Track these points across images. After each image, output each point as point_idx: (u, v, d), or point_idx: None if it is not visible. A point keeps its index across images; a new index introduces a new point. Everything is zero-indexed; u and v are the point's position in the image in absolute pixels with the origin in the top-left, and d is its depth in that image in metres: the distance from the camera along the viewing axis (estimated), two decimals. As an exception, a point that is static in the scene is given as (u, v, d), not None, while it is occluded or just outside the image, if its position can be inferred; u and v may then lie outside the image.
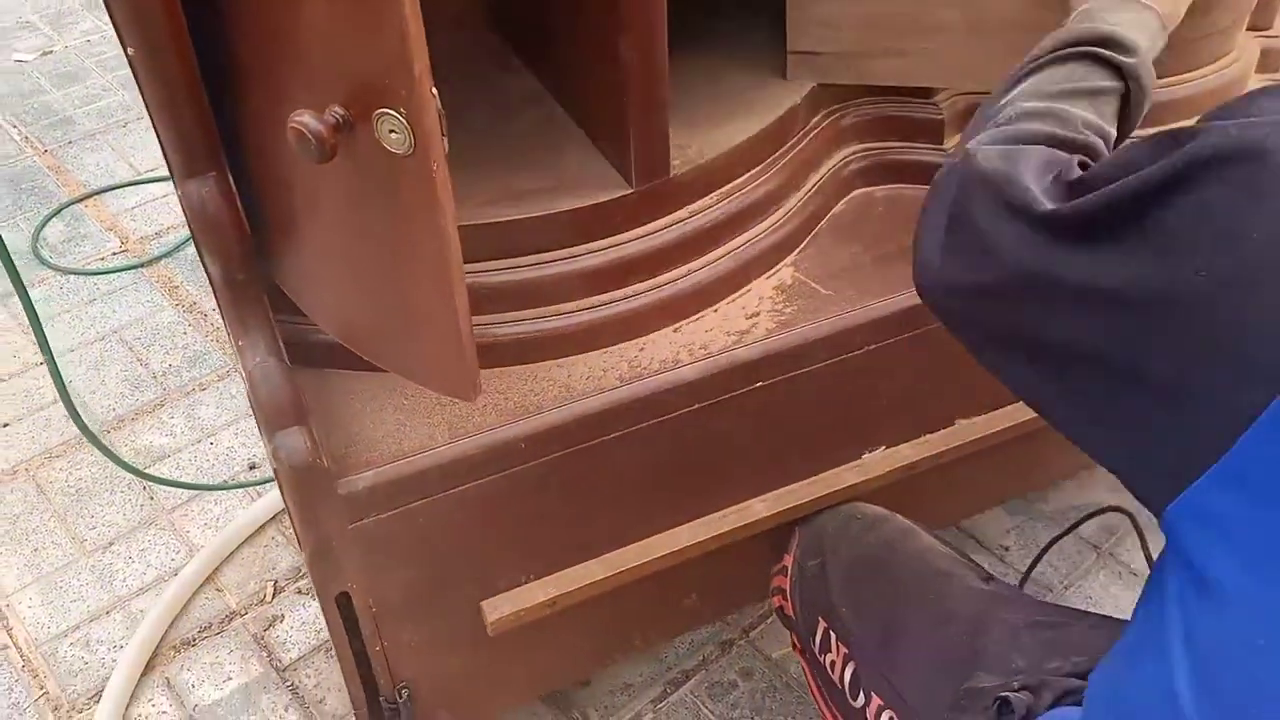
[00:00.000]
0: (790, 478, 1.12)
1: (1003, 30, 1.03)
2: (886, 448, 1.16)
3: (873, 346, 1.07)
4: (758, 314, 1.06)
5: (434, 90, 0.68)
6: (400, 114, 0.68)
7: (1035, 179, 0.66)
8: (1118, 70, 0.78)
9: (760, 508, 1.11)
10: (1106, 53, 0.78)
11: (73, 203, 2.30)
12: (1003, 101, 0.78)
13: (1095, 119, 0.76)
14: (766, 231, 1.10)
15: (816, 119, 1.16)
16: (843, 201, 1.19)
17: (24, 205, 2.30)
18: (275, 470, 0.94)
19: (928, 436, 1.17)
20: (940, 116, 1.17)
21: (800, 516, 1.12)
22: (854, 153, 1.19)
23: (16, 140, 2.52)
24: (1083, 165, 0.68)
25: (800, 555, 1.07)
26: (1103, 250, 0.59)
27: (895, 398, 1.13)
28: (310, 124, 0.70)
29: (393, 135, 0.70)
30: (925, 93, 1.16)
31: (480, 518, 1.00)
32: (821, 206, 1.16)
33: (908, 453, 1.16)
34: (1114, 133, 0.78)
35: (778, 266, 1.11)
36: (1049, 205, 0.63)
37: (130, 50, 0.76)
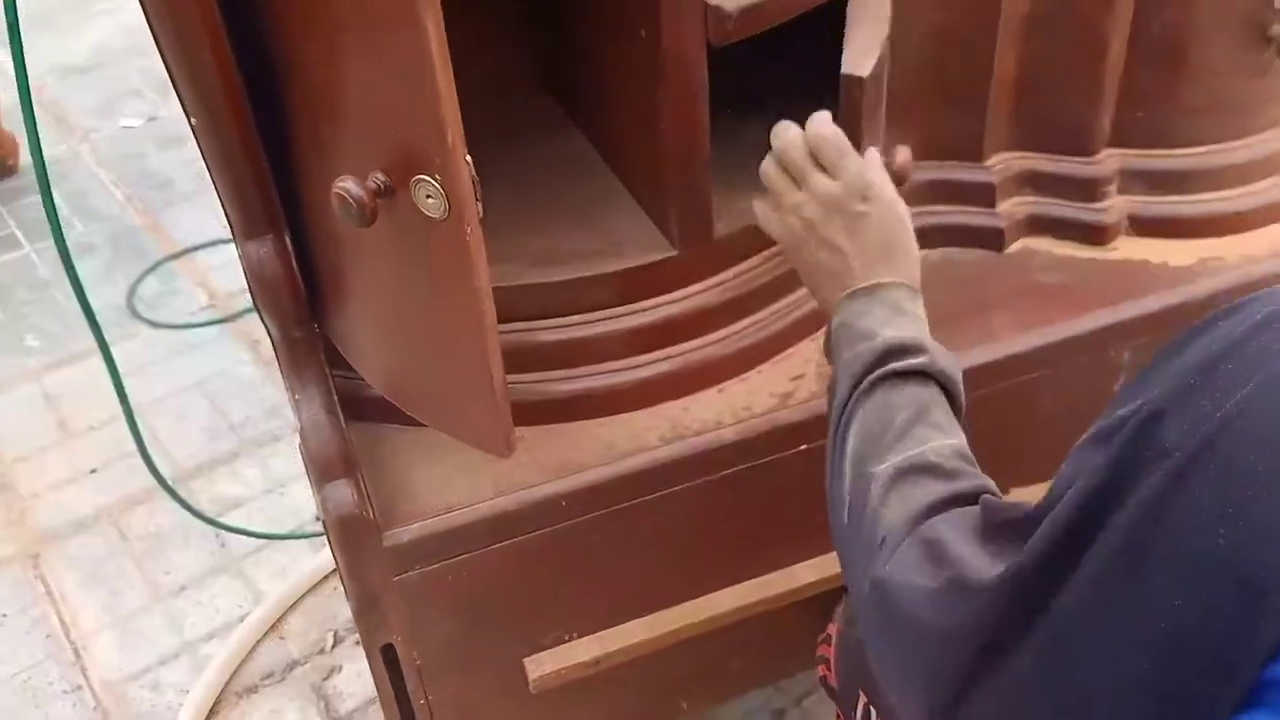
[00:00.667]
0: (835, 541, 1.11)
1: None
2: (937, 513, 1.14)
3: (920, 410, 1.06)
4: (802, 376, 1.06)
5: (468, 158, 0.71)
6: (436, 180, 0.71)
7: (966, 547, 0.61)
8: (921, 373, 0.75)
9: (805, 573, 1.10)
10: (900, 365, 0.74)
11: (167, 260, 2.43)
12: (847, 482, 0.73)
13: (947, 440, 0.71)
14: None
15: (866, 182, 1.17)
16: (893, 263, 1.19)
17: (123, 262, 2.43)
18: (323, 521, 0.97)
19: (980, 502, 1.15)
20: (992, 180, 1.16)
21: (846, 584, 1.11)
22: (905, 215, 1.19)
23: (120, 201, 2.67)
24: (978, 495, 0.65)
25: (845, 624, 1.05)
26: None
27: (945, 462, 1.11)
28: (352, 189, 0.73)
29: (429, 200, 0.73)
30: (976, 155, 1.16)
31: (523, 574, 1.01)
32: (869, 268, 1.15)
33: (959, 518, 1.14)
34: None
35: (823, 328, 1.11)
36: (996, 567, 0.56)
37: (193, 120, 0.81)
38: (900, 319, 0.78)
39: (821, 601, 1.12)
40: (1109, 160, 1.15)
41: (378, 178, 0.74)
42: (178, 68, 0.77)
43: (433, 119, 0.68)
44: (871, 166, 0.85)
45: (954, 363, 0.78)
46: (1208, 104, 1.11)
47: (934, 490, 0.68)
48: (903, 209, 0.84)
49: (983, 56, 1.09)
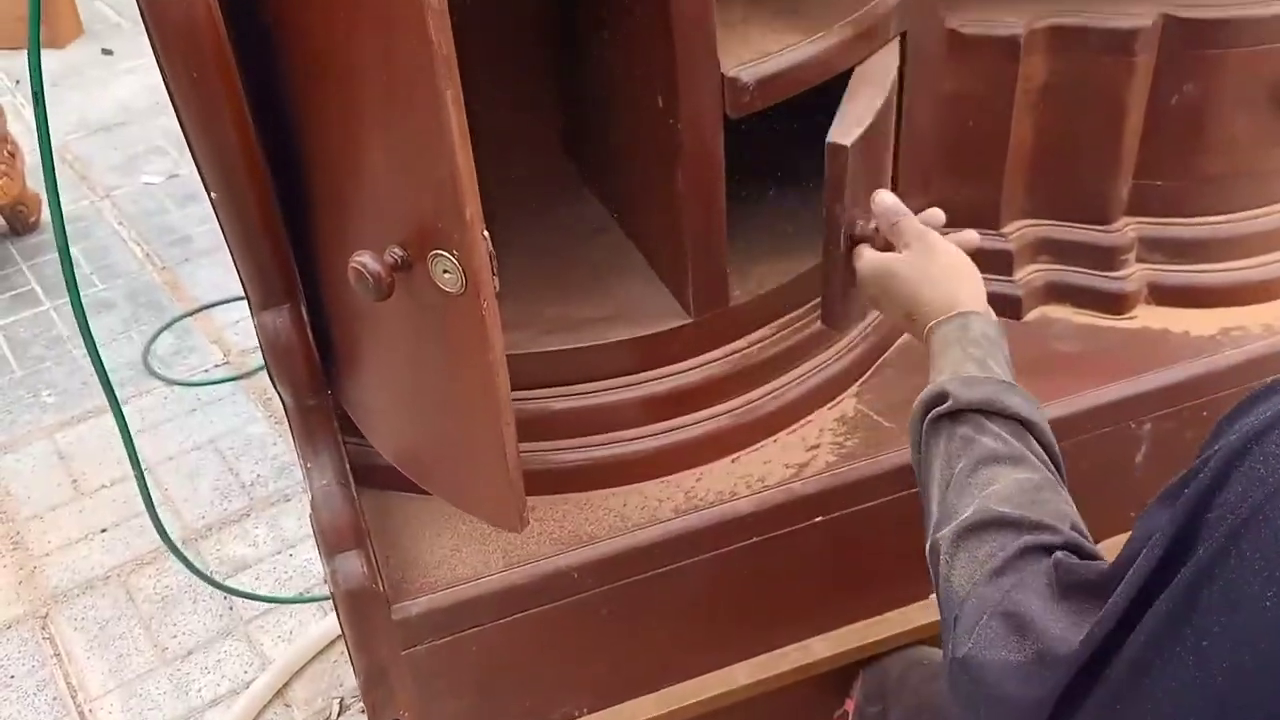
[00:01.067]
0: (853, 616, 1.09)
1: None
2: (957, 586, 1.12)
3: (938, 481, 1.04)
4: (818, 446, 1.05)
5: (485, 233, 0.71)
6: (453, 255, 0.71)
7: (1046, 615, 0.61)
8: (959, 413, 0.75)
9: (821, 647, 1.07)
10: (943, 409, 0.75)
11: (183, 317, 2.44)
12: (927, 548, 0.73)
13: (1014, 475, 0.71)
14: (828, 361, 1.09)
15: (883, 249, 1.16)
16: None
17: (140, 318, 2.44)
18: (332, 593, 0.96)
19: (1001, 575, 1.13)
20: (1009, 247, 1.15)
21: (864, 658, 1.08)
22: (921, 283, 1.18)
23: (139, 257, 2.69)
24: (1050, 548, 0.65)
25: (862, 701, 1.03)
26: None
27: (965, 534, 1.09)
28: (369, 264, 0.73)
29: (446, 275, 0.72)
30: (993, 222, 1.15)
31: (532, 648, 0.99)
32: (886, 337, 1.14)
33: (980, 592, 1.12)
34: (1037, 424, 0.75)
35: (840, 398, 1.10)
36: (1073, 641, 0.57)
37: (213, 194, 0.81)
38: (970, 353, 0.79)
39: (837, 677, 1.10)
40: (1128, 229, 1.15)
41: (395, 252, 0.74)
42: (200, 145, 0.77)
43: (451, 195, 0.67)
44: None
45: (990, 385, 0.76)
46: (1227, 173, 1.11)
47: (1001, 546, 0.67)
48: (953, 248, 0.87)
49: (999, 125, 1.09)
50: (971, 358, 0.78)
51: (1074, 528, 0.68)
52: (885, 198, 0.90)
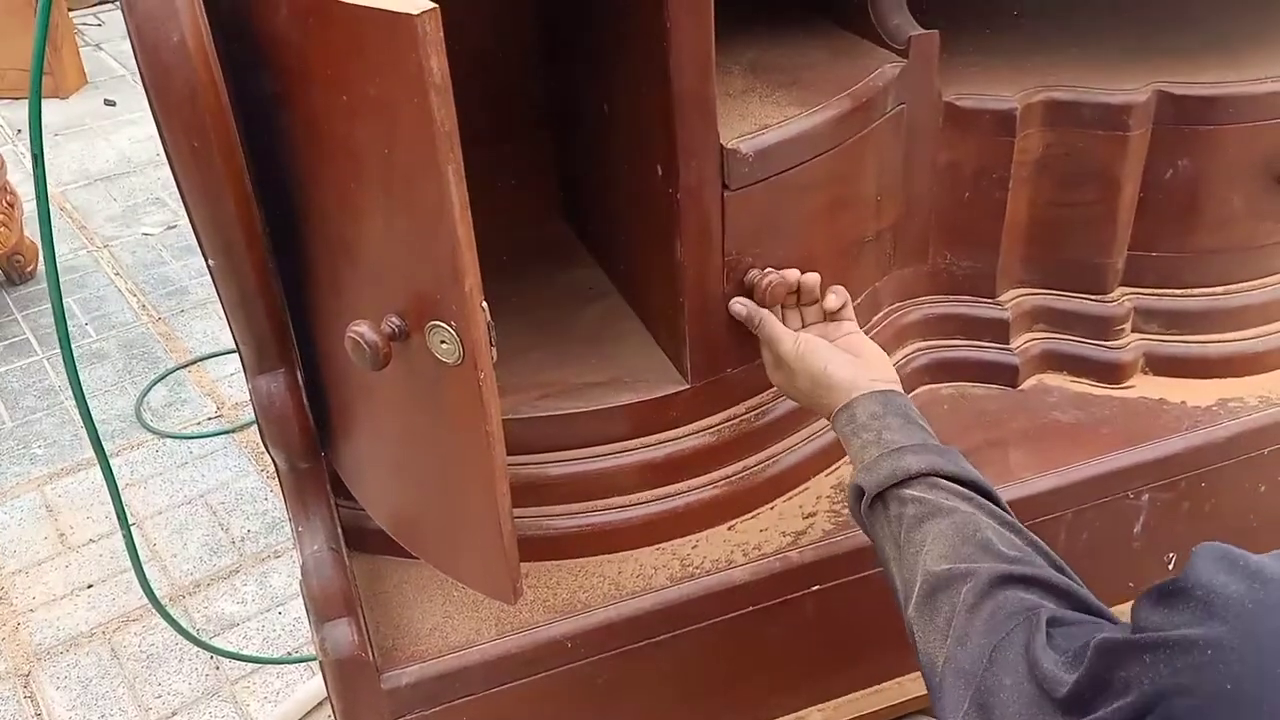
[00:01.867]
0: (849, 686, 1.07)
1: None
2: (955, 657, 1.10)
3: (936, 551, 1.03)
4: (815, 513, 1.04)
5: (484, 304, 0.71)
6: (451, 326, 0.71)
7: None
8: (878, 497, 0.80)
9: (816, 718, 1.06)
10: (866, 500, 0.81)
11: (176, 369, 2.43)
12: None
13: (938, 530, 0.75)
14: (826, 428, 1.08)
15: (879, 315, 1.17)
16: (907, 398, 1.18)
17: (133, 370, 2.43)
18: (320, 662, 0.94)
19: (999, 646, 1.11)
20: (1005, 315, 1.16)
21: (861, 729, 1.07)
22: (918, 349, 1.19)
23: (134, 308, 2.69)
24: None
25: (860, 773, 1.01)
26: None
27: (962, 604, 1.08)
28: (366, 334, 0.73)
29: (443, 345, 0.72)
30: (989, 291, 1.16)
31: (524, 718, 0.98)
32: (883, 404, 1.14)
33: (978, 663, 1.10)
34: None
35: (837, 464, 1.09)
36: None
37: (211, 262, 0.81)
38: (851, 444, 0.86)
39: (835, 749, 1.08)
40: (1124, 299, 1.15)
41: (392, 321, 0.74)
42: (199, 214, 0.77)
43: (450, 267, 0.67)
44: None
45: (893, 462, 0.80)
46: (1223, 246, 1.12)
47: (952, 608, 0.70)
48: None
49: (995, 196, 1.10)
50: (866, 442, 0.84)
51: (1008, 540, 0.73)
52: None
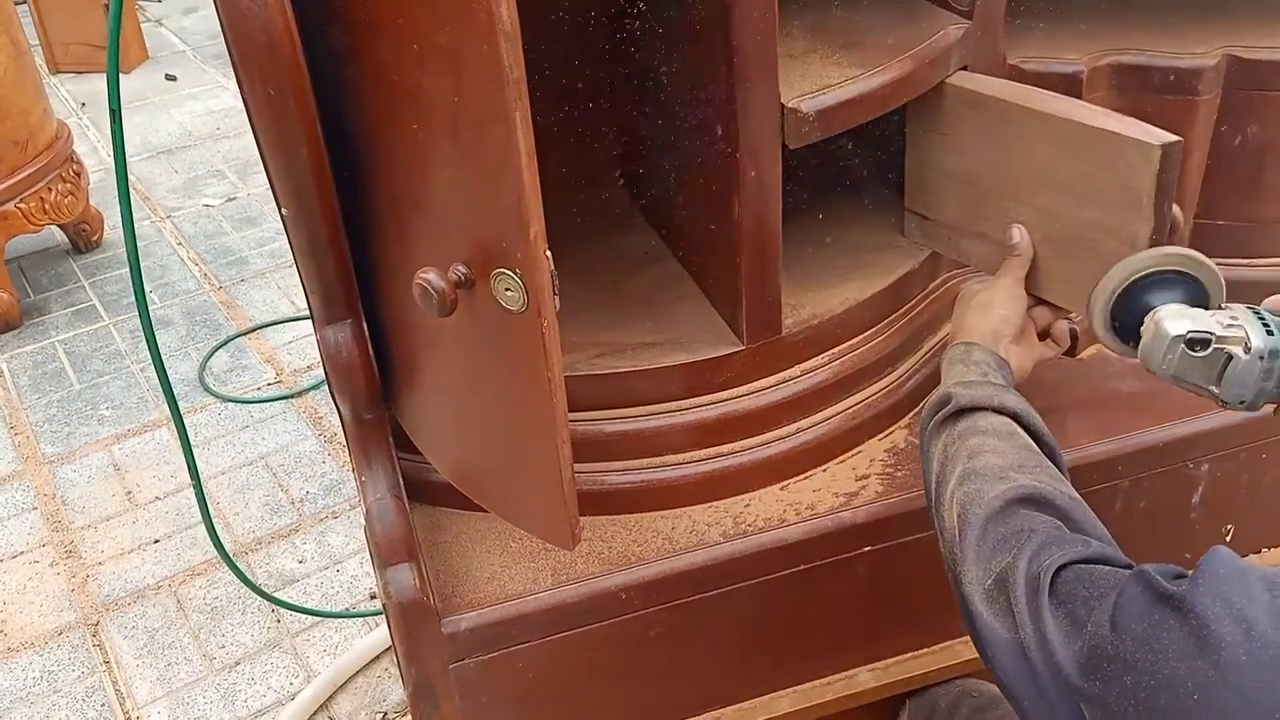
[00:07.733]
0: (900, 648, 1.08)
1: (1074, 244, 0.96)
2: (1006, 622, 1.10)
3: (989, 515, 1.03)
4: (868, 476, 1.05)
5: (548, 252, 0.72)
6: (516, 274, 0.72)
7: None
8: (999, 409, 0.86)
9: (867, 677, 1.07)
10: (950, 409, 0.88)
11: (238, 336, 2.49)
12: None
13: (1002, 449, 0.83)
14: (881, 393, 1.09)
15: (936, 283, 1.17)
16: (962, 364, 1.18)
17: (196, 336, 2.50)
18: (384, 605, 0.97)
19: (1051, 613, 1.11)
20: (1065, 283, 1.15)
21: (911, 689, 1.07)
22: (975, 316, 1.18)
23: (196, 277, 2.75)
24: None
25: (908, 732, 1.02)
26: None
27: (1015, 570, 1.08)
28: (434, 281, 0.75)
29: (508, 293, 0.74)
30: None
31: (578, 666, 1.00)
32: (937, 370, 1.14)
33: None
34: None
35: (891, 429, 1.10)
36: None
37: (284, 210, 0.84)
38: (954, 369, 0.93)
39: (881, 708, 1.09)
40: (1186, 268, 1.14)
41: (459, 269, 0.75)
42: (274, 160, 0.80)
43: (516, 214, 0.69)
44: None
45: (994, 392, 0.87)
46: (1290, 215, 1.10)
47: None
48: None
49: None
50: (972, 372, 0.90)
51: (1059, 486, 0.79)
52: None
